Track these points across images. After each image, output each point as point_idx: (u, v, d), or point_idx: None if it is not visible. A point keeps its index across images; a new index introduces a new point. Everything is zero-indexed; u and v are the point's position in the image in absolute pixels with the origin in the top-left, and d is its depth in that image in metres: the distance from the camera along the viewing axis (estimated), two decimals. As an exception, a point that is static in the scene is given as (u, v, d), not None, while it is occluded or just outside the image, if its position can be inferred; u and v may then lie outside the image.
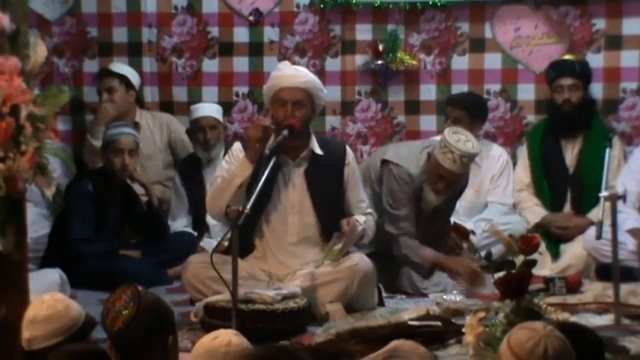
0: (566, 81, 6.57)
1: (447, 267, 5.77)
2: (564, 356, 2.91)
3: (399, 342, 2.90)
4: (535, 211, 6.60)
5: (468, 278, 5.62)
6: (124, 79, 6.94)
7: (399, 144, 6.49)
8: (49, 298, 3.54)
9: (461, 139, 5.66)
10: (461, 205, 6.34)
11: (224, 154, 6.40)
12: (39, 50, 4.21)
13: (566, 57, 6.81)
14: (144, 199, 6.52)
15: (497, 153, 6.83)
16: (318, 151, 5.48)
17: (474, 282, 5.58)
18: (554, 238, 6.46)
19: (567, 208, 6.59)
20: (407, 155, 5.87)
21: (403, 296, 5.84)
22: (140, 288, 3.36)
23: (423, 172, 5.80)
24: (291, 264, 5.46)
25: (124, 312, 3.28)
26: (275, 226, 5.48)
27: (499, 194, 6.75)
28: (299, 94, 5.38)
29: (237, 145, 5.53)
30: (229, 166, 5.36)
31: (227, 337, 3.19)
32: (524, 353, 2.87)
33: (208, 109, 6.88)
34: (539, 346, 2.87)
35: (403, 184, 5.80)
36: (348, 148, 5.70)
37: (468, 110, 6.60)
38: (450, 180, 5.74)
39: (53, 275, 5.57)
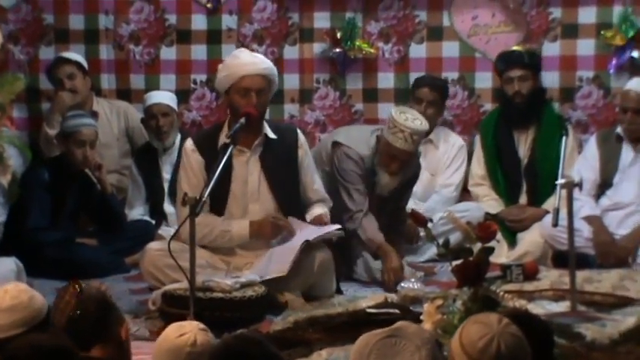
0: (516, 72, 6.59)
1: (384, 257, 5.74)
2: (519, 354, 2.79)
3: (404, 323, 2.86)
4: (491, 205, 6.62)
5: (388, 277, 5.67)
6: (80, 67, 6.90)
7: (350, 127, 6.52)
8: (12, 288, 3.51)
9: (409, 117, 5.72)
10: (417, 188, 6.37)
11: (180, 143, 6.38)
12: (-6, 37, 4.18)
13: (514, 48, 6.84)
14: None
15: (453, 140, 6.86)
16: (272, 135, 5.47)
17: (389, 282, 5.63)
18: (510, 230, 6.50)
19: (523, 198, 6.62)
20: (357, 137, 5.93)
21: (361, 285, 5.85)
22: (82, 284, 3.41)
23: (373, 154, 5.83)
24: (251, 253, 5.45)
25: (66, 309, 3.35)
26: (237, 215, 5.46)
27: (447, 175, 6.76)
28: (261, 82, 5.36)
29: (189, 145, 5.48)
30: (189, 185, 5.26)
31: (193, 334, 3.14)
32: (476, 352, 2.77)
33: (160, 96, 6.84)
34: (492, 345, 2.76)
35: (353, 164, 5.83)
36: (299, 131, 5.69)
37: (442, 94, 6.75)
38: (403, 159, 5.77)
39: (9, 263, 5.53)
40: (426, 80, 6.80)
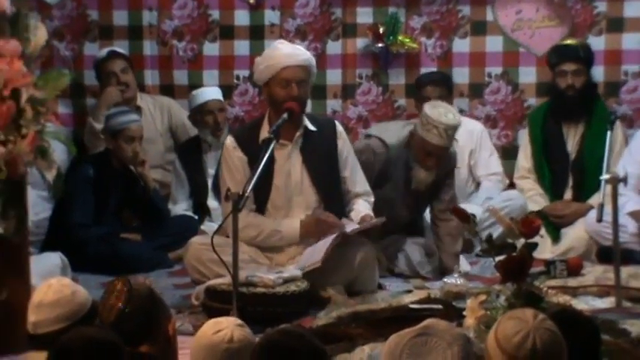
0: (570, 66, 6.53)
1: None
2: (554, 350, 2.79)
3: (433, 320, 2.85)
4: (536, 201, 6.58)
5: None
6: (130, 62, 6.95)
7: (389, 122, 6.47)
8: (55, 283, 3.54)
9: (441, 112, 5.69)
10: None
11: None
12: (39, 33, 4.22)
13: (569, 41, 6.78)
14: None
15: (471, 126, 6.79)
16: (312, 127, 5.47)
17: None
18: (554, 226, 6.45)
19: (568, 193, 6.57)
20: (391, 128, 5.97)
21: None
22: (131, 281, 3.43)
23: (402, 145, 5.80)
24: (294, 249, 5.45)
25: (115, 305, 3.37)
26: (281, 208, 5.47)
27: (484, 166, 6.76)
28: (302, 73, 5.36)
29: (230, 142, 5.49)
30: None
31: (229, 331, 3.10)
32: (512, 347, 2.77)
33: (214, 92, 6.87)
34: (528, 340, 2.76)
35: (369, 153, 5.80)
36: (337, 122, 5.70)
37: (446, 86, 6.75)
38: (439, 154, 5.74)
39: (54, 259, 5.58)
40: (426, 78, 6.82)
